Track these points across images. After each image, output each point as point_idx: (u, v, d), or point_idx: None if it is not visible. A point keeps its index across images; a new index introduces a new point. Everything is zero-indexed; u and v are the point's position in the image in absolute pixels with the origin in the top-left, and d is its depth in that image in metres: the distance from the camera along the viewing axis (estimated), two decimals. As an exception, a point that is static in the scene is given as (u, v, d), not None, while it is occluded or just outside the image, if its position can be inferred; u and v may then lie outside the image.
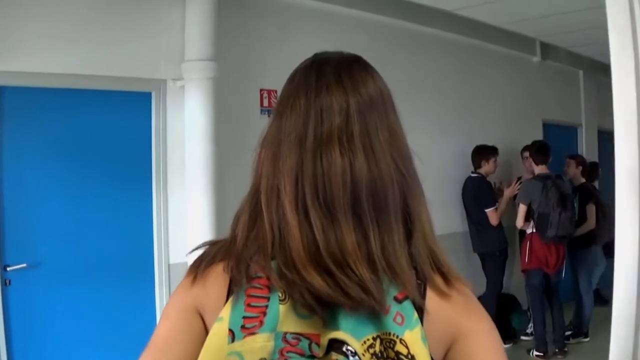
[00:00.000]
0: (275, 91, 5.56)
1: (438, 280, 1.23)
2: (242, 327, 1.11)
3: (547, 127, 9.11)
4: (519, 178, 7.60)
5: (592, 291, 7.69)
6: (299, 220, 1.16)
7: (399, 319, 1.13)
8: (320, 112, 1.21)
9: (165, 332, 1.26)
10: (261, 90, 5.60)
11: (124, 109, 5.01)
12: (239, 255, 1.20)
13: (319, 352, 1.11)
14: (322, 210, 1.16)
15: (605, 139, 10.67)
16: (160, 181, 5.09)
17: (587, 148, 9.99)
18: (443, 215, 6.43)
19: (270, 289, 1.14)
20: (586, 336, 7.49)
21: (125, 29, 4.91)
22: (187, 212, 5.05)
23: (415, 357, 1.10)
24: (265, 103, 5.59)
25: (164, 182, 5.10)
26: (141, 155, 5.07)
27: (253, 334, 1.10)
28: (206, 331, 1.21)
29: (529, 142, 7.63)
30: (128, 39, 4.91)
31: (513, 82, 8.49)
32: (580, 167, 7.84)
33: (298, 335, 1.12)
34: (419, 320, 1.14)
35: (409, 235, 1.21)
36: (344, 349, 1.09)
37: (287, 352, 1.10)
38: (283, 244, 1.17)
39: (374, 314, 1.12)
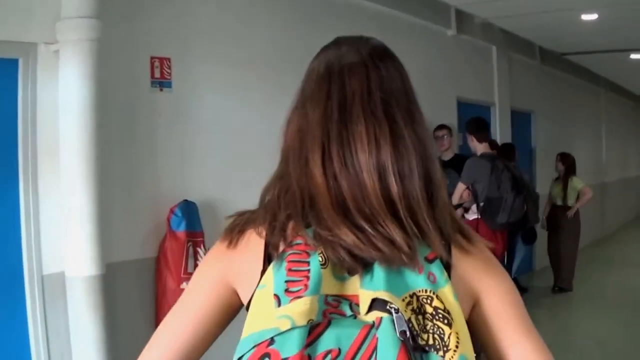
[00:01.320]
0: (169, 59, 4.64)
1: (460, 239, 1.32)
2: (287, 290, 1.14)
3: (461, 105, 8.58)
4: None
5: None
6: (328, 183, 1.23)
7: (431, 278, 1.19)
8: (341, 80, 1.29)
9: (190, 296, 1.39)
10: (152, 58, 4.58)
11: (-20, 80, 3.98)
12: (274, 221, 1.27)
13: (359, 311, 1.16)
14: (348, 172, 1.23)
15: (519, 118, 10.46)
16: (28, 171, 4.00)
17: (500, 128, 9.66)
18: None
19: (309, 253, 1.18)
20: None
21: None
22: (62, 211, 4.06)
23: (451, 312, 1.17)
24: (157, 74, 4.59)
25: (33, 173, 4.01)
26: (3, 138, 4.01)
27: (299, 297, 1.13)
28: (238, 297, 1.33)
29: (443, 122, 7.30)
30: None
31: (427, 57, 7.91)
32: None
33: (338, 297, 1.17)
34: (449, 279, 1.21)
35: (431, 200, 1.27)
36: (387, 307, 1.13)
37: (330, 313, 1.15)
38: (314, 206, 1.24)
39: (408, 269, 1.19)
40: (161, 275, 4.41)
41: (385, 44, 1.39)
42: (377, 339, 1.12)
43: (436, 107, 7.91)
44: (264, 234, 1.29)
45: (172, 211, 4.49)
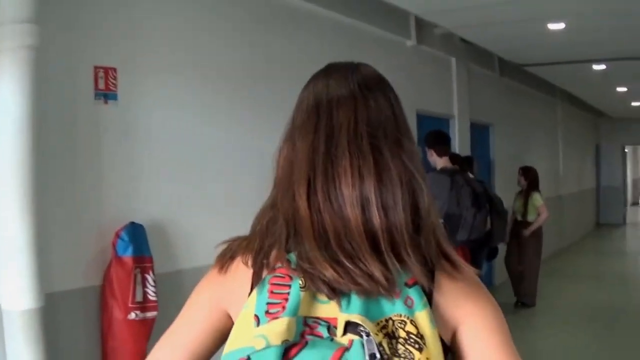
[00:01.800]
0: (115, 69, 4.25)
1: (446, 266, 1.33)
2: (267, 312, 1.20)
3: (421, 118, 8.28)
4: None
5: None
6: (312, 216, 1.26)
7: (409, 302, 1.23)
8: (329, 113, 1.33)
9: (183, 320, 1.45)
10: (96, 67, 4.17)
11: None
12: (260, 249, 1.33)
13: (337, 333, 1.19)
14: (332, 206, 1.26)
15: (478, 131, 10.29)
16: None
17: (460, 141, 9.44)
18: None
19: (291, 277, 1.24)
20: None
21: None
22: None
23: (425, 336, 1.20)
24: (102, 85, 4.18)
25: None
26: None
27: (276, 318, 1.19)
28: (231, 321, 1.36)
29: None
30: None
31: (387, 68, 7.28)
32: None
33: (318, 320, 1.22)
34: (428, 304, 1.25)
35: (417, 229, 1.29)
36: (358, 329, 1.17)
37: (308, 334, 1.20)
38: (297, 238, 1.28)
39: (385, 298, 1.22)
40: (107, 305, 4.02)
41: (376, 70, 1.43)
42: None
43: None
44: (250, 262, 1.34)
45: (117, 235, 4.09)
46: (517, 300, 9.53)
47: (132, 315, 3.99)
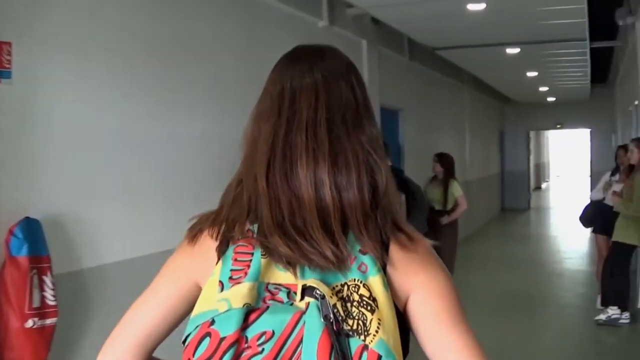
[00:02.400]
0: (9, 44, 3.72)
1: (401, 238, 1.42)
2: (230, 278, 1.32)
3: None
4: None
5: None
6: (269, 195, 1.37)
7: (363, 268, 1.33)
8: (292, 99, 1.43)
9: (153, 290, 1.51)
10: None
11: None
12: (225, 222, 1.43)
13: (296, 298, 1.30)
14: (289, 187, 1.37)
15: (387, 116, 10.08)
16: None
17: (370, 126, 9.08)
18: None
19: (254, 246, 1.36)
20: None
21: None
22: None
23: (377, 299, 1.30)
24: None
25: None
26: None
27: (239, 283, 1.30)
28: (199, 289, 1.42)
29: None
30: None
31: None
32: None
33: (278, 286, 1.32)
34: (382, 270, 1.35)
35: (372, 206, 1.39)
36: (314, 292, 1.27)
37: (269, 300, 1.30)
38: (257, 214, 1.40)
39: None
40: (1, 312, 3.55)
41: (344, 55, 1.56)
42: (304, 321, 1.26)
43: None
44: (215, 234, 1.44)
45: (11, 232, 3.59)
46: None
47: (30, 323, 3.51)
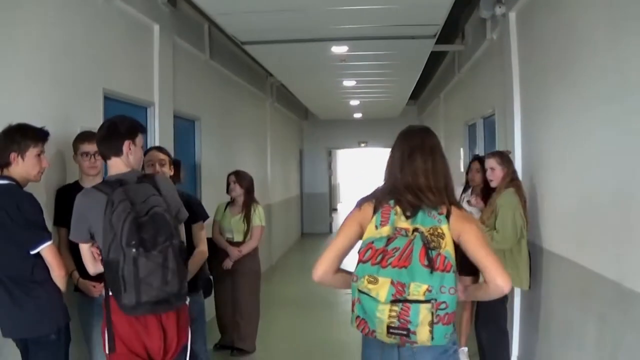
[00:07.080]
0: None
1: (454, 207, 3.15)
2: (381, 223, 3.05)
3: (109, 101, 6.03)
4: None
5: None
6: (403, 180, 3.17)
7: (438, 220, 3.05)
8: (409, 148, 3.26)
9: (342, 232, 3.24)
10: None
11: None
12: (375, 199, 3.19)
13: (409, 234, 3.00)
14: (411, 179, 3.17)
15: (181, 125, 8.03)
16: None
17: (161, 137, 7.16)
18: None
19: (390, 209, 3.08)
20: None
21: None
22: None
23: (445, 235, 2.99)
24: None
25: None
26: None
27: (384, 226, 3.03)
28: (362, 229, 3.14)
29: (89, 123, 5.24)
30: None
31: (69, 30, 5.39)
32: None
33: (402, 229, 3.02)
34: (447, 221, 3.05)
35: (446, 189, 3.19)
36: (419, 231, 2.99)
37: (398, 234, 3.01)
38: (395, 191, 3.16)
39: (431, 217, 3.06)
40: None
41: (434, 134, 3.36)
42: (413, 243, 2.96)
43: (75, 100, 5.36)
44: (372, 204, 3.18)
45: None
46: (232, 347, 7.41)
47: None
